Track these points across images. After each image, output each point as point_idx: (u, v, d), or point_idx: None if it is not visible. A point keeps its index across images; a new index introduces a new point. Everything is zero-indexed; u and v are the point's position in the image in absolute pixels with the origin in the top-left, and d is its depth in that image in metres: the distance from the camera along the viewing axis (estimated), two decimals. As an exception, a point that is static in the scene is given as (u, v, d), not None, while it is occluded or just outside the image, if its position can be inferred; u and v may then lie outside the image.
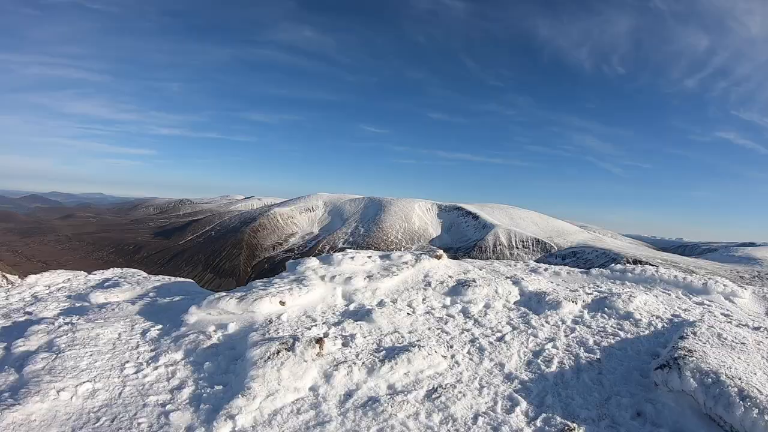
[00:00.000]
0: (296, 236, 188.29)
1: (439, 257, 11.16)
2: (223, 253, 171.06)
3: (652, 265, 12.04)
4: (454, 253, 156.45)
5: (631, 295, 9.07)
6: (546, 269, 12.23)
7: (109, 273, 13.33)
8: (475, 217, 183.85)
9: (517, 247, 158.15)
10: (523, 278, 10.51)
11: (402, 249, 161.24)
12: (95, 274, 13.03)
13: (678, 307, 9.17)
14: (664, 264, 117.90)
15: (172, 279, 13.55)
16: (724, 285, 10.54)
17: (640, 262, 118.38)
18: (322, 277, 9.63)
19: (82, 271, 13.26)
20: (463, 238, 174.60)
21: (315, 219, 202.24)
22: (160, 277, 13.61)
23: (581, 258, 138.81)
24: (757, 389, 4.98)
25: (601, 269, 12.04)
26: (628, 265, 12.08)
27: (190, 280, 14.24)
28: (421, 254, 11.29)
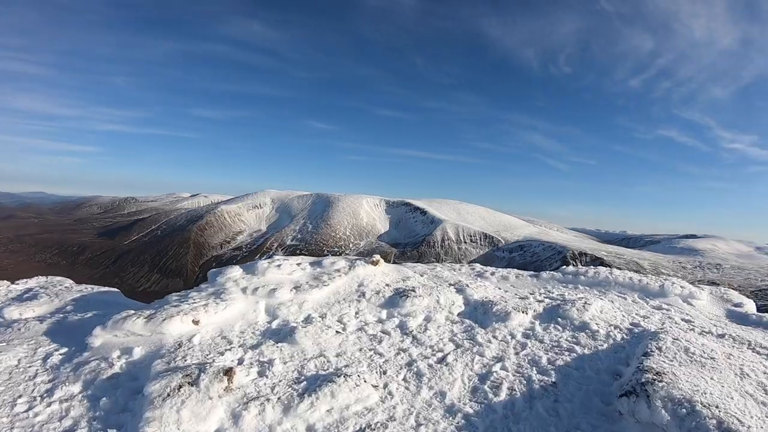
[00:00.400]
0: (244, 234, 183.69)
1: (375, 263, 10.01)
2: (169, 253, 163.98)
3: (606, 266, 11.38)
4: (403, 248, 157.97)
5: (585, 302, 8.26)
6: (493, 273, 11.29)
7: (33, 282, 12.07)
8: (423, 212, 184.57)
9: (465, 242, 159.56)
10: (467, 285, 9.54)
11: (350, 245, 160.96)
12: (18, 284, 11.75)
13: (636, 314, 8.45)
14: (609, 256, 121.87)
15: (95, 288, 12.28)
16: (681, 287, 9.95)
17: (585, 254, 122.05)
18: (244, 290, 8.39)
19: (6, 281, 11.91)
20: (412, 233, 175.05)
21: (263, 216, 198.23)
22: (83, 286, 12.31)
23: (528, 251, 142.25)
24: (737, 419, 4.20)
25: (552, 272, 11.21)
26: (581, 267, 11.32)
27: (115, 289, 12.94)
28: (355, 260, 10.12)
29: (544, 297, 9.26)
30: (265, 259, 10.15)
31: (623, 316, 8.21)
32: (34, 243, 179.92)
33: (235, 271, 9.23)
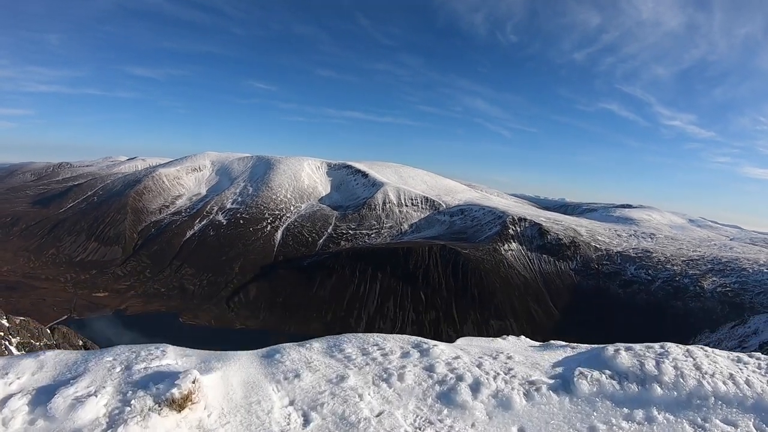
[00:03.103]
0: (183, 198, 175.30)
1: (181, 406, 4.41)
2: (107, 220, 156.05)
3: (680, 346, 6.46)
4: (344, 211, 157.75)
5: None
6: (476, 387, 5.75)
7: None
8: (365, 175, 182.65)
9: (406, 205, 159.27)
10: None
11: (291, 208, 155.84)
12: None
13: None
14: (548, 222, 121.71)
15: None
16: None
17: (525, 219, 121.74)
18: None
19: None
20: (353, 196, 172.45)
21: (202, 179, 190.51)
22: None
23: (469, 215, 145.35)
24: None
25: (597, 375, 6.03)
26: (644, 352, 5.90)
27: None
28: (130, 399, 4.53)
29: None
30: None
31: None
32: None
33: None
